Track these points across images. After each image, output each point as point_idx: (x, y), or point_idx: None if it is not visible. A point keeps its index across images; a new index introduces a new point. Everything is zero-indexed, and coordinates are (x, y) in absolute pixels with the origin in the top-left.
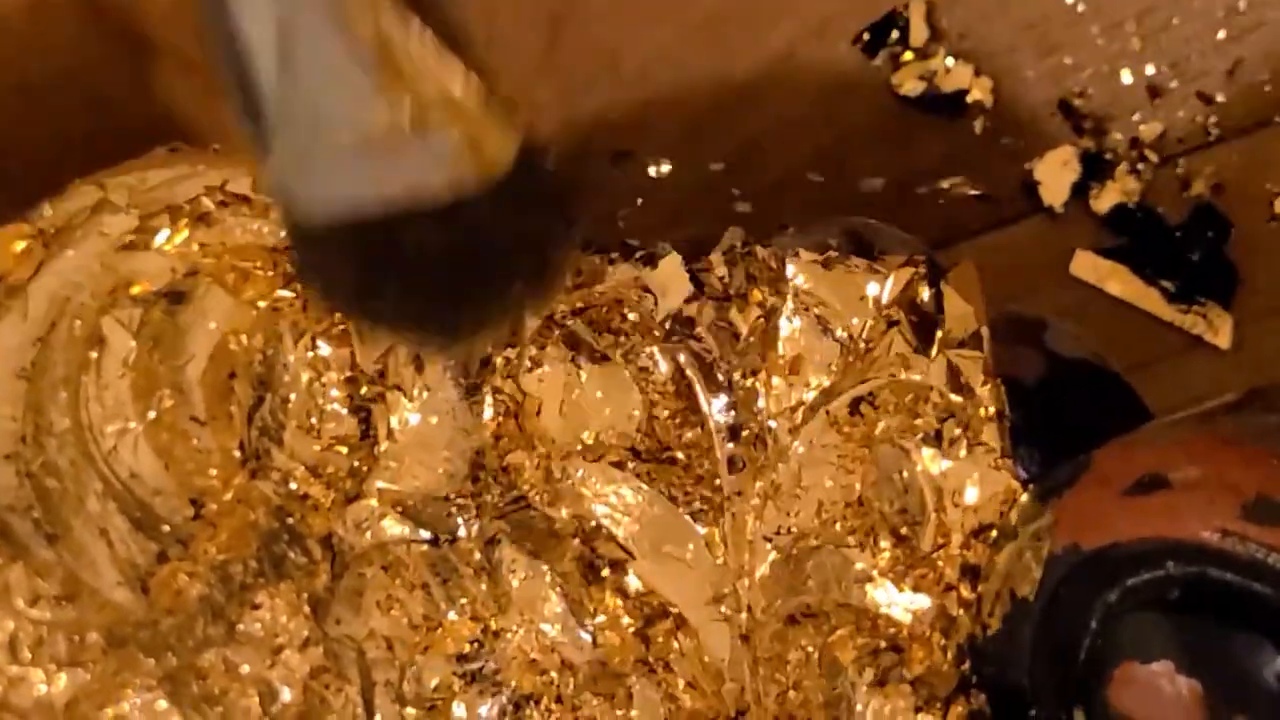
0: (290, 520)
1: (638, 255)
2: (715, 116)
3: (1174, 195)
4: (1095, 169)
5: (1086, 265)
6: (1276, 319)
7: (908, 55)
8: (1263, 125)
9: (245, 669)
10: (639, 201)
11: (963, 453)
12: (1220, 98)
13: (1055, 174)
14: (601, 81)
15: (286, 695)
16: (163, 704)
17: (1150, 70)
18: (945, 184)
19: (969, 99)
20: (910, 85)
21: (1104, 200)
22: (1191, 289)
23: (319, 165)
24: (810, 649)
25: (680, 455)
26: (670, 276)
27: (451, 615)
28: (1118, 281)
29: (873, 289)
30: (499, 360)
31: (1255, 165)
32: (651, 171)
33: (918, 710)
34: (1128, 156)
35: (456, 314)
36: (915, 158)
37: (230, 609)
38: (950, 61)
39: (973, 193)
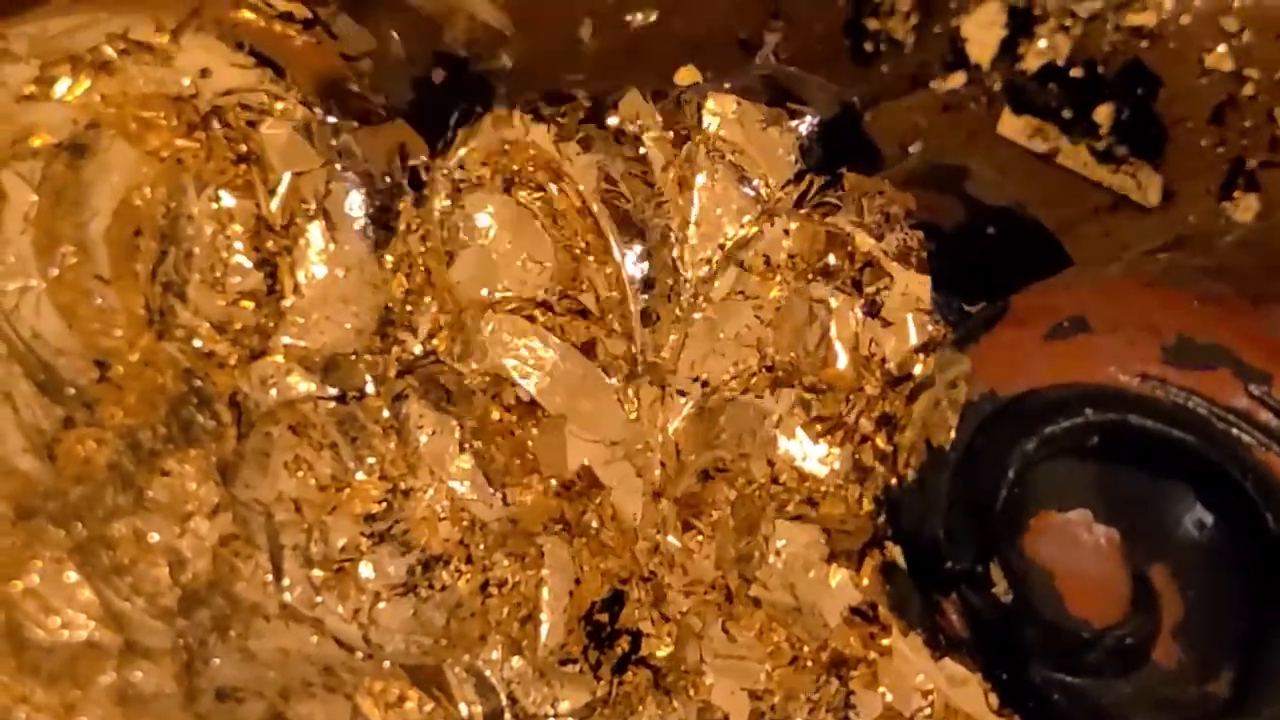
0: (198, 383)
1: (556, 109)
2: None
3: (1103, 52)
4: (1024, 25)
5: (1014, 124)
6: (1206, 177)
7: None
8: None
9: (155, 538)
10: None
11: (880, 300)
12: None
13: (983, 30)
14: None
15: (196, 563)
16: (72, 575)
17: None
18: (869, 42)
19: None
20: None
21: (1032, 58)
22: (1120, 148)
23: None
24: (724, 505)
25: (593, 308)
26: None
27: (360, 475)
28: (1045, 140)
29: (791, 135)
30: (408, 212)
31: (1187, 20)
32: None
33: (831, 561)
34: (1056, 12)
35: None
36: (837, 14)
37: (139, 476)
38: None
39: (898, 49)
